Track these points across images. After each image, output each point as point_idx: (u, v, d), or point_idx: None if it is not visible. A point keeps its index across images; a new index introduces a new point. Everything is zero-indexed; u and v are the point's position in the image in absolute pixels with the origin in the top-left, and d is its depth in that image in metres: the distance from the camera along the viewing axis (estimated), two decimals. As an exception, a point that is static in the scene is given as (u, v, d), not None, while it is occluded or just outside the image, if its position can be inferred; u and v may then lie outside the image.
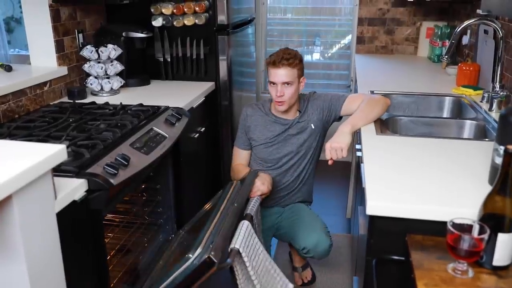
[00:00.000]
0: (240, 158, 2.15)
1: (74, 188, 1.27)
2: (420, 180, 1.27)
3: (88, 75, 2.31)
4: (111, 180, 1.37)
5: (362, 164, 1.45)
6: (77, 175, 1.33)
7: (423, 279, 0.98)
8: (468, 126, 1.87)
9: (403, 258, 1.14)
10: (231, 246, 1.45)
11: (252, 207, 1.73)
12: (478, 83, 2.33)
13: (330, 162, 1.78)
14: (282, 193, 2.11)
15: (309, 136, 2.04)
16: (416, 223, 1.14)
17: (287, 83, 1.93)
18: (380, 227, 1.19)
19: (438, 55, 3.01)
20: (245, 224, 1.56)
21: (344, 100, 2.01)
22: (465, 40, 2.73)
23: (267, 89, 3.53)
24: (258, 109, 2.10)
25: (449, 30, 2.99)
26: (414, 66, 3.01)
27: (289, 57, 1.92)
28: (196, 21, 2.54)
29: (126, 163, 1.47)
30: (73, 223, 1.28)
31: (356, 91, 2.52)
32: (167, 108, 2.04)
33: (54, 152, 1.08)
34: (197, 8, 2.53)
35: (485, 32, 2.28)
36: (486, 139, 1.67)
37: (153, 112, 1.95)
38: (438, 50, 3.03)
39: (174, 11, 2.53)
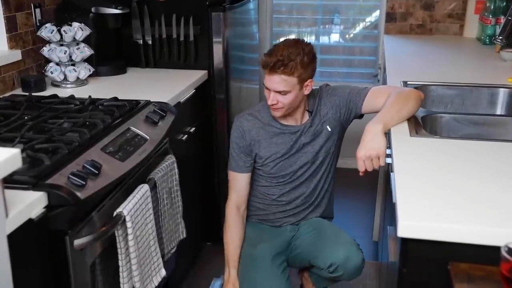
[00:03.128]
0: (240, 185, 2.07)
1: (31, 204, 1.27)
2: (466, 194, 1.26)
3: (48, 61, 2.32)
4: (78, 194, 1.37)
5: (392, 174, 1.45)
6: (35, 187, 1.33)
7: (470, 318, 0.99)
8: (528, 125, 1.87)
9: (444, 293, 1.14)
10: (118, 210, 1.57)
11: (159, 171, 1.86)
12: (541, 71, 2.33)
13: (362, 174, 1.77)
14: (296, 210, 2.11)
15: (326, 141, 2.03)
16: (461, 248, 1.13)
17: (281, 92, 1.88)
18: (415, 253, 1.19)
19: (491, 36, 3.00)
20: (143, 188, 1.70)
21: (366, 94, 2.00)
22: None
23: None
24: (256, 119, 2.04)
25: (504, 4, 2.99)
26: (459, 49, 3.01)
27: (287, 61, 1.82)
28: (184, -7, 2.55)
29: (97, 172, 1.47)
30: (29, 247, 1.28)
31: (385, 82, 2.52)
32: (148, 103, 2.04)
33: (5, 158, 1.08)
34: (185, -23, 2.54)
35: (549, 7, 2.28)
36: (551, 143, 1.67)
37: (131, 108, 1.96)
38: (490, 29, 3.03)
39: (157, -19, 2.55)
